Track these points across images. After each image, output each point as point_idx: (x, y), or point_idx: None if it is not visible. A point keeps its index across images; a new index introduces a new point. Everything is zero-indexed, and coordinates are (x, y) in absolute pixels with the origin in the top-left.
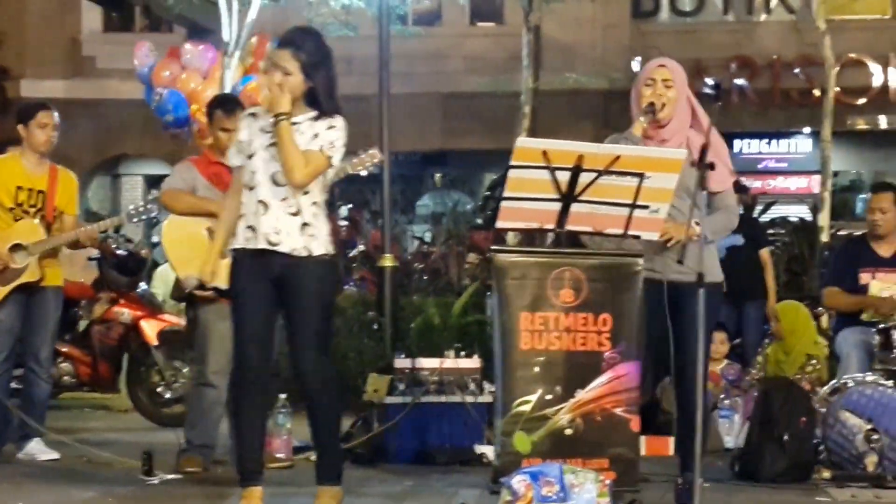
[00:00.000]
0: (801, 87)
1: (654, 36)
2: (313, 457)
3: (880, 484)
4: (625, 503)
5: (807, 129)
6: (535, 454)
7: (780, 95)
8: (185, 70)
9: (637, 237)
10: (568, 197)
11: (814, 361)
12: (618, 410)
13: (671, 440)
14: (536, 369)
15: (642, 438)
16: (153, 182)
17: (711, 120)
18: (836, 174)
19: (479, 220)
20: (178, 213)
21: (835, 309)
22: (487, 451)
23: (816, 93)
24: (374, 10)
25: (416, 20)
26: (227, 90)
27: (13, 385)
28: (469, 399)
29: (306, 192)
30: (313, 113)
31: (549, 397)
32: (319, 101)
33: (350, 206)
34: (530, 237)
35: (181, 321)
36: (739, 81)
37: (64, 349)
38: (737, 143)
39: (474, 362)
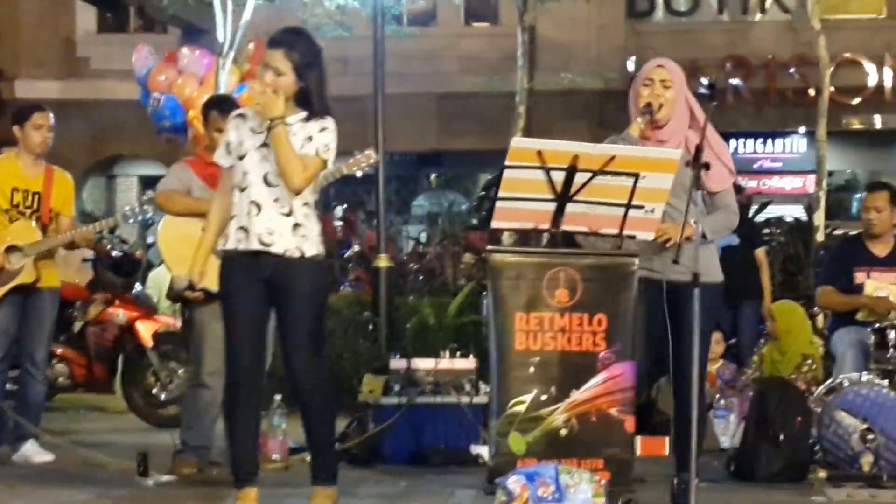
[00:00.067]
0: (796, 86)
1: (649, 36)
2: (308, 458)
3: (876, 484)
4: (621, 503)
5: (802, 129)
6: (529, 454)
7: (775, 95)
8: (182, 75)
9: (632, 237)
10: (563, 197)
11: (809, 361)
12: (613, 411)
13: (667, 440)
14: (531, 370)
15: (638, 438)
16: (148, 183)
17: (707, 120)
18: (831, 174)
19: (475, 221)
20: (173, 214)
21: (829, 309)
22: (483, 451)
23: (811, 92)
24: (369, 11)
25: (411, 20)
26: (222, 91)
27: (8, 386)
28: (464, 400)
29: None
30: (304, 113)
31: (544, 398)
32: (311, 101)
33: (345, 206)
34: (525, 237)
35: (176, 322)
36: (734, 81)
37: (59, 350)
38: (732, 143)
39: (470, 363)
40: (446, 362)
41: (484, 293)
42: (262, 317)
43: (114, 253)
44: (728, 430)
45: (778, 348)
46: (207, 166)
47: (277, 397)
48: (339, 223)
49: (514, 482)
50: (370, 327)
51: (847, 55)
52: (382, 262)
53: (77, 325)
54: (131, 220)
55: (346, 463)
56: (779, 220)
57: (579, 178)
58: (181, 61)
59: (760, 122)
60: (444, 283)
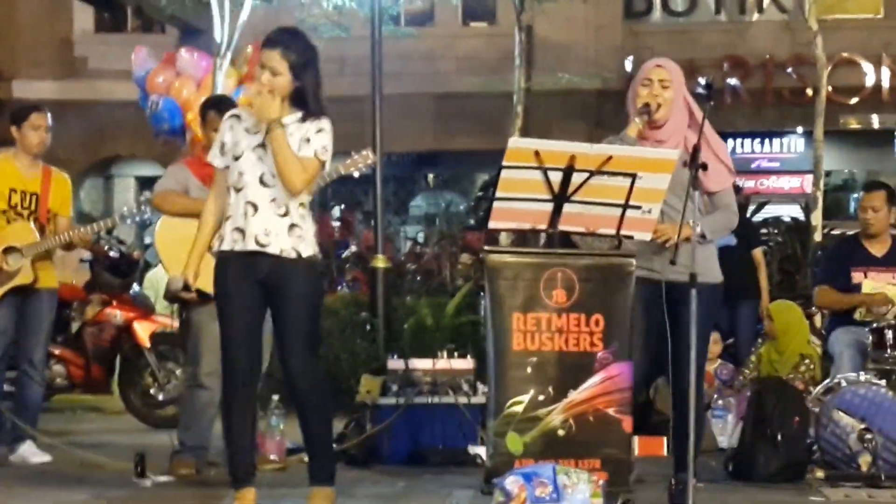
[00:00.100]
0: (793, 86)
1: (647, 36)
2: (306, 458)
3: (874, 483)
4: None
5: (799, 129)
6: (527, 455)
7: (772, 95)
8: (180, 77)
9: (629, 237)
10: (560, 197)
11: (807, 361)
12: (610, 411)
13: (665, 440)
14: (529, 370)
15: (636, 439)
16: (145, 183)
17: (704, 120)
18: (828, 174)
19: (472, 221)
20: (170, 215)
21: (826, 308)
22: (481, 451)
23: (809, 92)
24: (367, 11)
25: (409, 21)
26: (219, 90)
27: (6, 387)
28: (462, 400)
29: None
30: (299, 114)
31: (541, 398)
32: (307, 101)
33: (343, 206)
34: (523, 237)
35: (174, 323)
36: (732, 81)
37: (56, 351)
38: (729, 143)
39: (467, 363)
40: (444, 363)
41: (481, 293)
42: (257, 317)
43: (111, 254)
44: (726, 430)
45: (776, 348)
46: (205, 167)
47: (275, 398)
48: (336, 223)
49: (511, 482)
50: (368, 328)
51: (844, 55)
52: (380, 262)
53: (74, 326)
54: (129, 221)
55: (343, 463)
56: (776, 220)
57: (576, 179)
58: (179, 63)
59: (758, 121)
60: (441, 283)
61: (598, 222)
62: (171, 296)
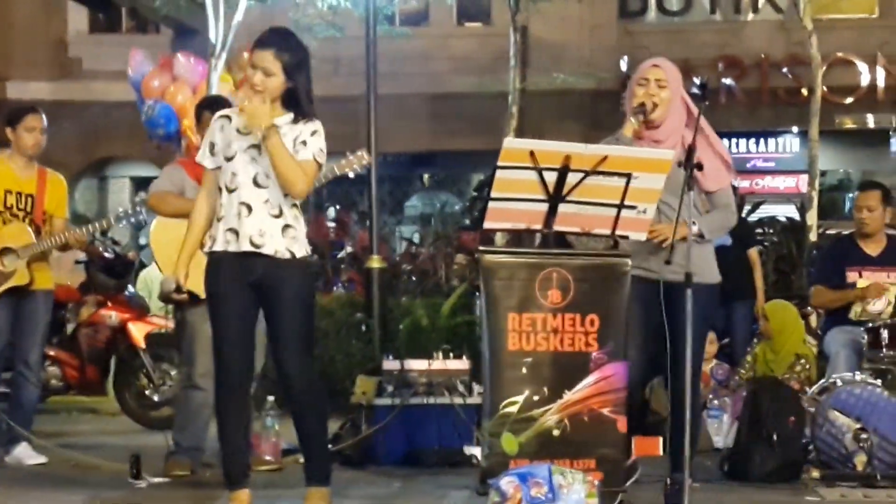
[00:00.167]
0: (788, 86)
1: (642, 36)
2: (302, 459)
3: (869, 483)
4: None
5: (795, 129)
6: (522, 455)
7: (767, 95)
8: (175, 82)
9: (625, 237)
10: (555, 197)
11: (803, 361)
12: (605, 411)
13: (660, 440)
14: (524, 370)
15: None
16: (140, 184)
17: (699, 120)
18: (823, 173)
19: (468, 221)
20: (165, 216)
21: (822, 307)
22: (477, 452)
23: (804, 92)
24: (361, 11)
25: (404, 21)
26: (214, 92)
27: (1, 389)
28: (458, 401)
29: (286, 194)
30: (290, 115)
31: (536, 398)
32: (299, 102)
33: (338, 207)
34: (518, 238)
35: (169, 323)
36: (727, 81)
37: (51, 352)
38: (725, 143)
39: (463, 364)
40: (439, 363)
41: (477, 294)
42: (250, 318)
43: (106, 255)
44: (721, 430)
45: (771, 348)
46: (200, 168)
47: (270, 399)
48: (331, 224)
49: (507, 483)
50: (363, 328)
51: (839, 55)
52: (375, 263)
53: (69, 327)
54: (124, 222)
55: (339, 464)
56: (772, 220)
57: (571, 179)
58: (176, 68)
59: (753, 121)
60: (437, 283)
61: (593, 222)
62: (163, 297)
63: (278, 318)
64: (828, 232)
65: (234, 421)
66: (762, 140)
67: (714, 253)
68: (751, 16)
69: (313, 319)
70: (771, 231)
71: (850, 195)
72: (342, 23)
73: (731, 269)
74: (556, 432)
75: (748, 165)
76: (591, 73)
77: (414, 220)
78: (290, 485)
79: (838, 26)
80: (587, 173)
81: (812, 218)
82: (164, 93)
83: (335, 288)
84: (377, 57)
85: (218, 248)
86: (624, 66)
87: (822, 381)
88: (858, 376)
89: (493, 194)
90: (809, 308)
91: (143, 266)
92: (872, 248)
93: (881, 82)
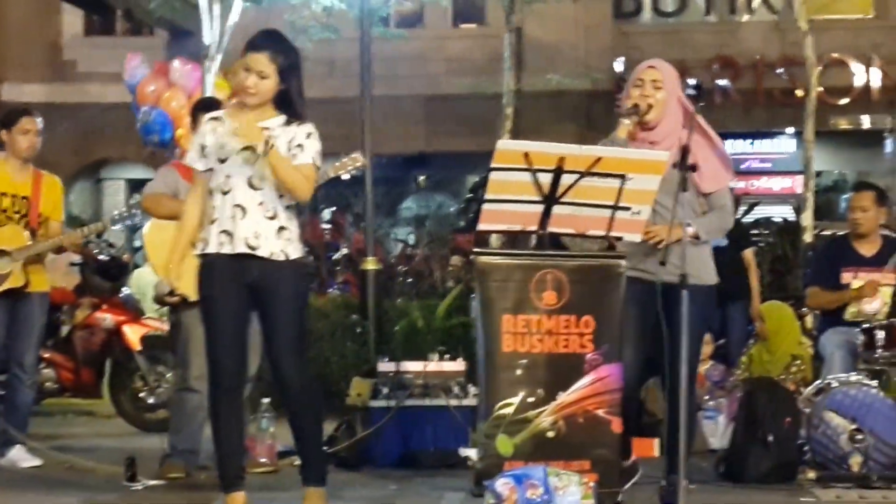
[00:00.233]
0: (783, 87)
1: (637, 37)
2: (297, 461)
3: (865, 484)
4: None
5: (790, 130)
6: (517, 457)
7: (763, 95)
8: (171, 88)
9: (619, 239)
10: (550, 199)
11: (798, 362)
12: (600, 412)
13: (656, 442)
14: (519, 372)
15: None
16: (135, 186)
17: (693, 121)
18: (819, 174)
19: (463, 223)
20: (160, 217)
21: (818, 309)
22: (472, 454)
23: (799, 93)
24: (356, 13)
25: (398, 22)
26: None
27: None
28: (453, 402)
29: (281, 196)
30: (283, 117)
31: (531, 400)
32: (293, 104)
33: (333, 209)
34: (513, 239)
35: (164, 326)
36: (722, 82)
37: (46, 355)
38: None
39: (458, 365)
40: (435, 365)
41: (472, 295)
42: (244, 320)
43: (101, 257)
44: (717, 432)
45: (767, 349)
46: None
47: (265, 401)
48: (326, 226)
49: (502, 485)
50: (358, 330)
51: (835, 55)
52: (370, 264)
53: (64, 330)
54: (119, 225)
55: (334, 466)
56: (767, 221)
57: (566, 180)
58: (172, 74)
59: (748, 122)
60: (432, 285)
61: (587, 224)
62: (158, 299)
63: (274, 319)
64: (823, 233)
65: (228, 423)
66: (757, 141)
67: (711, 254)
68: (746, 16)
69: (306, 320)
70: (766, 232)
71: (846, 196)
72: (337, 24)
73: (727, 271)
74: (551, 434)
75: (743, 166)
76: (586, 74)
77: (409, 222)
78: (285, 487)
79: (833, 27)
80: (582, 174)
81: (807, 219)
82: (158, 99)
83: (330, 290)
84: (372, 58)
85: (211, 250)
86: (619, 66)
87: (818, 382)
88: (854, 377)
89: (488, 196)
90: (805, 309)
91: (136, 268)
92: (867, 249)
93: (876, 83)
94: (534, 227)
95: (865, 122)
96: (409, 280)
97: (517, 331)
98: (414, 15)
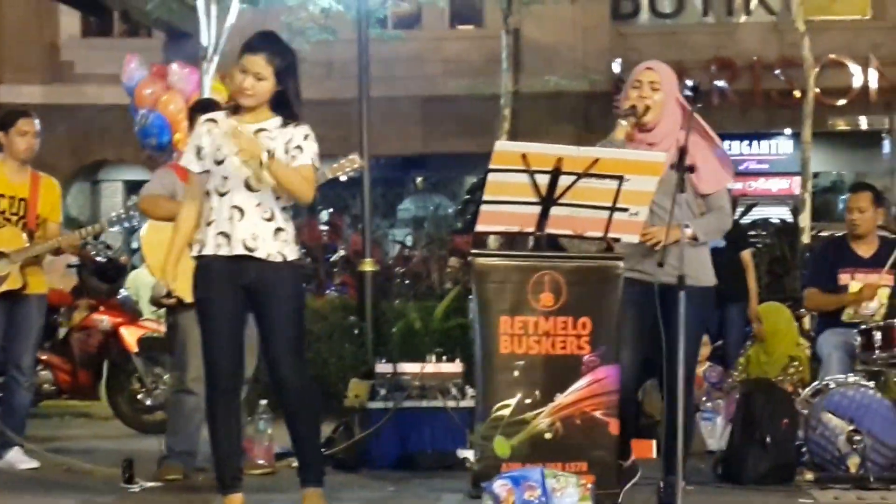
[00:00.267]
0: (781, 88)
1: (634, 38)
2: (295, 463)
3: (863, 485)
4: None
5: (787, 131)
6: (514, 458)
7: (760, 97)
8: (169, 91)
9: (617, 240)
10: (548, 200)
11: (796, 363)
12: (597, 414)
13: (654, 443)
14: (516, 373)
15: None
16: (133, 188)
17: (691, 122)
18: (816, 175)
19: (460, 224)
20: (157, 219)
21: (816, 310)
22: (470, 455)
23: (797, 94)
24: (354, 14)
25: (396, 23)
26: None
27: None
28: (451, 404)
29: (278, 198)
30: (279, 118)
31: (528, 401)
32: (290, 105)
33: (331, 210)
34: (511, 240)
35: (161, 328)
36: (720, 83)
37: (43, 357)
38: None
39: (456, 367)
40: (432, 366)
41: (470, 297)
42: (240, 322)
43: (98, 259)
44: (715, 433)
45: (764, 350)
46: None
47: (263, 402)
48: (324, 227)
49: (499, 486)
50: (356, 332)
51: (832, 56)
52: (368, 266)
53: (62, 332)
54: (117, 226)
55: (332, 467)
56: (765, 222)
57: (564, 182)
58: (171, 77)
59: (746, 123)
60: (430, 286)
61: (585, 225)
62: (154, 301)
63: (272, 321)
64: (821, 234)
65: (225, 425)
66: (755, 142)
67: (709, 255)
68: (743, 17)
69: (304, 321)
70: (764, 233)
71: (844, 197)
72: (334, 26)
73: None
74: (548, 435)
75: (741, 167)
76: (583, 75)
77: (407, 223)
78: (283, 489)
79: (831, 28)
80: (579, 176)
81: (805, 220)
82: (156, 102)
83: (328, 291)
84: (369, 60)
85: (208, 251)
86: (617, 68)
87: (816, 383)
88: (851, 378)
89: (486, 197)
90: (802, 310)
91: (134, 269)
92: (864, 250)
93: (874, 84)
94: (531, 229)
95: (863, 122)
96: (407, 281)
97: (514, 332)
98: (411, 16)
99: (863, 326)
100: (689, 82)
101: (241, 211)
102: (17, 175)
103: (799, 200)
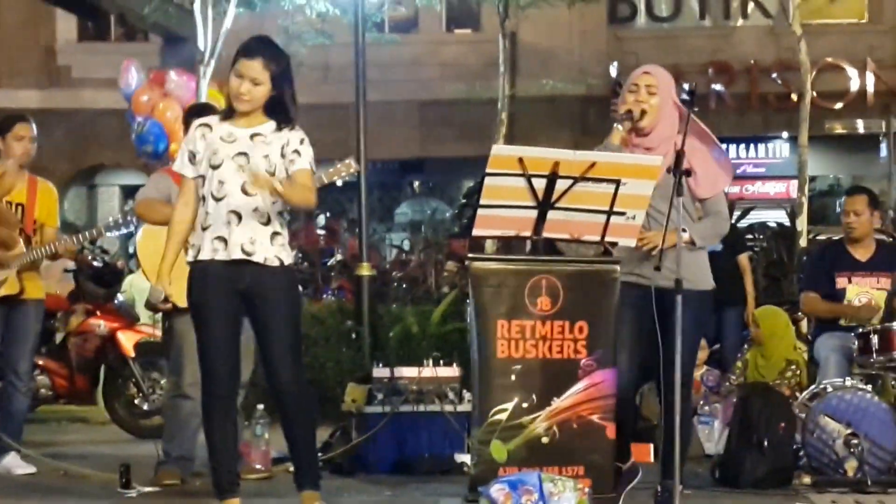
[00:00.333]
0: (778, 91)
1: (631, 42)
2: (292, 467)
3: (860, 489)
4: None
5: (784, 134)
6: (511, 462)
7: (757, 100)
8: (166, 98)
9: (614, 244)
10: (544, 204)
11: (793, 367)
12: (594, 418)
13: (651, 447)
14: (513, 377)
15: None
16: (130, 193)
17: (687, 126)
18: (813, 179)
19: (457, 228)
20: (152, 223)
21: (813, 315)
22: (467, 459)
23: (794, 97)
24: (350, 18)
25: (393, 27)
26: (203, 99)
27: None
28: (448, 408)
29: (274, 202)
30: (273, 122)
31: (525, 405)
32: (286, 109)
33: (328, 215)
34: (508, 245)
35: (158, 332)
36: (717, 86)
37: (40, 362)
38: None
39: (453, 371)
40: (430, 371)
41: (467, 301)
42: (236, 327)
43: (95, 263)
44: (712, 437)
45: (762, 354)
46: None
47: (260, 407)
48: (321, 232)
49: (497, 491)
50: (353, 336)
51: (829, 60)
52: (365, 270)
53: (58, 337)
54: (114, 231)
55: (329, 472)
56: (762, 226)
57: (560, 185)
58: (168, 84)
59: (743, 127)
60: (427, 291)
61: (582, 229)
62: (150, 305)
63: (270, 325)
64: (818, 237)
65: (221, 430)
66: (752, 145)
67: (708, 259)
68: (740, 21)
69: (300, 325)
70: (761, 237)
71: (841, 200)
72: (331, 30)
73: (722, 275)
74: (544, 439)
75: (738, 171)
76: (580, 79)
77: (404, 228)
78: (280, 493)
79: (828, 31)
80: (576, 180)
81: (802, 223)
82: (153, 108)
83: (325, 295)
84: (366, 64)
85: (204, 256)
86: (613, 71)
87: (813, 386)
88: (849, 382)
89: (483, 201)
90: (800, 314)
91: (131, 273)
92: (861, 254)
93: (871, 87)
94: (528, 233)
95: (860, 126)
96: (404, 285)
97: (511, 336)
98: (408, 20)
99: (860, 330)
100: (686, 86)
101: (239, 215)
102: (14, 180)
103: (796, 204)
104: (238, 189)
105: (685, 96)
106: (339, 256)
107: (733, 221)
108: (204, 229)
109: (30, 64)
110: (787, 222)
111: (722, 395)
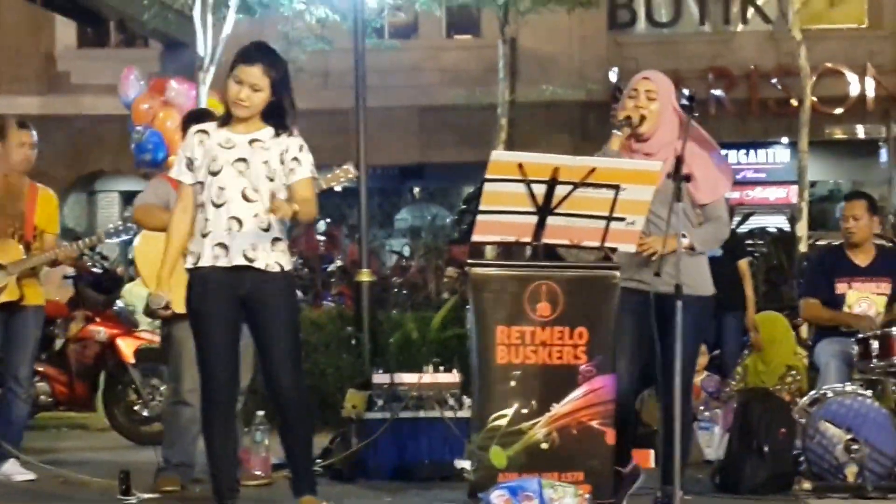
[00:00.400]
0: (778, 97)
1: (631, 47)
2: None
3: (861, 494)
4: None
5: (784, 140)
6: (510, 469)
7: (757, 106)
8: (166, 107)
9: (613, 250)
10: (544, 210)
11: (793, 372)
12: (593, 423)
13: (651, 453)
14: (513, 383)
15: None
16: (129, 199)
17: (687, 132)
18: (813, 184)
19: (457, 234)
20: (151, 229)
21: (812, 322)
22: (467, 465)
23: (794, 103)
24: (350, 24)
25: (393, 33)
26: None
27: None
28: (448, 414)
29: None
30: (271, 128)
31: (525, 411)
32: (285, 115)
33: (328, 220)
34: (508, 250)
35: (157, 338)
36: (717, 92)
37: (40, 368)
38: None
39: (453, 377)
40: (430, 377)
41: (467, 307)
42: (236, 333)
43: (94, 270)
44: (712, 442)
45: (762, 359)
46: None
47: (260, 413)
48: (321, 238)
49: (497, 497)
50: (353, 342)
51: (829, 65)
52: (365, 276)
53: (58, 343)
54: (114, 238)
55: (329, 478)
56: (762, 231)
57: (560, 191)
58: (169, 93)
59: (743, 132)
60: (427, 296)
61: (582, 234)
62: (149, 312)
63: (270, 331)
64: (818, 243)
65: (220, 436)
66: (752, 151)
67: (708, 265)
68: (740, 27)
69: (300, 332)
70: (761, 242)
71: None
72: (331, 36)
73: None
74: (544, 445)
75: (738, 176)
76: (580, 84)
77: (404, 233)
78: (279, 500)
79: (828, 37)
80: (576, 185)
81: (802, 229)
82: (153, 117)
83: (325, 301)
84: (366, 69)
85: (205, 263)
86: (613, 77)
87: (813, 392)
88: (849, 387)
89: (482, 207)
90: (800, 319)
91: (131, 280)
92: (861, 259)
93: (870, 92)
94: (528, 239)
95: (860, 131)
96: (404, 291)
97: (511, 342)
98: (408, 26)
99: (860, 335)
100: (686, 91)
101: (240, 221)
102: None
103: (796, 209)
104: (239, 195)
105: (685, 102)
106: (339, 262)
107: (733, 227)
108: (203, 236)
109: (29, 70)
110: (787, 228)
111: (722, 401)
